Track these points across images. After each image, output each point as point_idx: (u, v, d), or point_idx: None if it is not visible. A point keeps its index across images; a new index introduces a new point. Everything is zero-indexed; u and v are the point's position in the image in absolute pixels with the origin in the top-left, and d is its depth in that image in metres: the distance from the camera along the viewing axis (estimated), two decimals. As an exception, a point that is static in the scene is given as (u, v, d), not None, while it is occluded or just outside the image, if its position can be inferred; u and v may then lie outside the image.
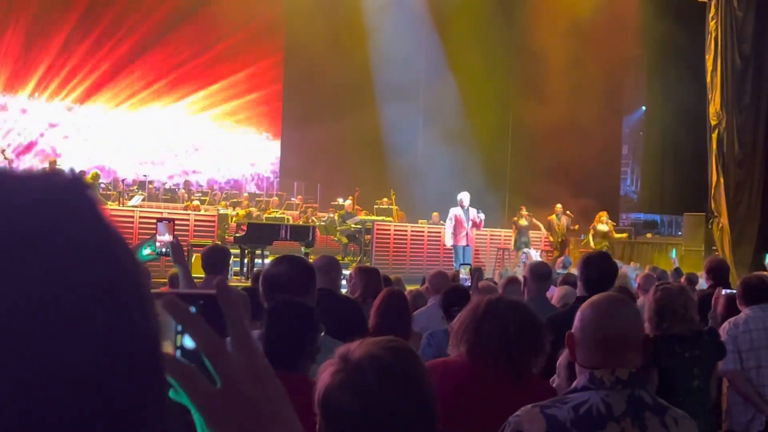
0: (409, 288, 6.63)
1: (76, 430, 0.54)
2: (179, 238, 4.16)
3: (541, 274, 4.87)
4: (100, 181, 15.98)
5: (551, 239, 16.41)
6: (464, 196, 14.32)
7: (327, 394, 1.39)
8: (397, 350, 1.43)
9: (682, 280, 8.38)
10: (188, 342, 0.70)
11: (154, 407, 0.60)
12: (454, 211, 14.28)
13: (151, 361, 0.60)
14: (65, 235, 0.56)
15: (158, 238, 3.15)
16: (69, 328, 0.54)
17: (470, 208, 14.29)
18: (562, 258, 13.95)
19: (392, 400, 1.37)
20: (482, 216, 14.48)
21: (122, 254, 0.60)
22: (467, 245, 14.23)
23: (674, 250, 13.22)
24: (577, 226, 16.98)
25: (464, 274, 6.75)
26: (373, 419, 1.36)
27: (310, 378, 2.44)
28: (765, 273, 5.85)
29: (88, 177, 15.01)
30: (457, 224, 14.23)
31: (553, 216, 16.41)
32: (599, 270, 3.93)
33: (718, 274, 6.01)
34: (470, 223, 14.24)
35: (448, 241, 14.33)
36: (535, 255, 15.99)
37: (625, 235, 16.47)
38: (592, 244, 15.89)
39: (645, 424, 1.97)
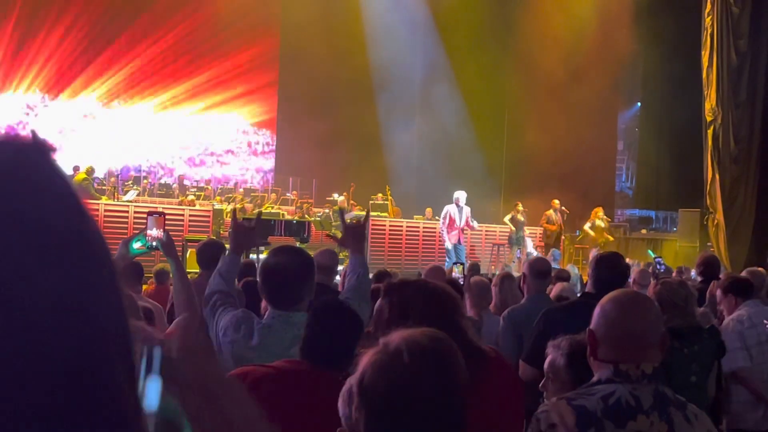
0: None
1: (38, 403, 0.52)
2: (174, 233, 4.11)
3: (540, 271, 4.80)
4: (94, 176, 15.94)
5: (550, 229, 16.43)
6: (461, 195, 14.33)
7: (364, 379, 1.39)
8: (434, 336, 1.44)
9: (674, 273, 8.46)
10: (152, 392, 0.62)
11: (122, 382, 0.57)
12: (448, 209, 14.29)
13: (118, 332, 0.58)
14: (26, 197, 0.54)
15: (148, 231, 3.01)
16: (29, 293, 0.52)
17: (465, 207, 14.31)
18: (551, 251, 13.99)
19: (427, 382, 1.37)
20: (476, 224, 14.56)
21: (87, 216, 0.58)
22: (458, 244, 14.23)
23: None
24: (579, 234, 17.17)
25: (457, 272, 6.72)
26: (407, 401, 1.36)
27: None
28: (759, 269, 5.87)
29: (83, 172, 14.97)
30: (450, 223, 14.25)
31: (551, 211, 16.43)
32: (611, 270, 3.88)
33: (709, 269, 6.10)
34: (464, 222, 14.26)
35: (448, 243, 14.28)
36: (530, 245, 16.06)
37: (612, 239, 16.70)
38: (592, 233, 16.16)
39: (671, 419, 1.99)
